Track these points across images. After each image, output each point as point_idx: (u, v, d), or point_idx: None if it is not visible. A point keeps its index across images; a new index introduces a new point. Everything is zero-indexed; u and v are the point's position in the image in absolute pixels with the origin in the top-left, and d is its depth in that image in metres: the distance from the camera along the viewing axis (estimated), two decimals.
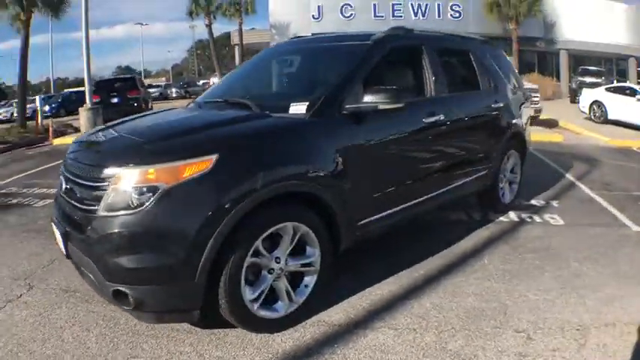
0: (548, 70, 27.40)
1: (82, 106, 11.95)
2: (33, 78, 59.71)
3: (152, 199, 2.26)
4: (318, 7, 27.15)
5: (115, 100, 15.63)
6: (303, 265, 2.79)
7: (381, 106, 2.93)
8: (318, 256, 2.80)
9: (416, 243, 4.02)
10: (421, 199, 3.52)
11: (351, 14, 26.59)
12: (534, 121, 11.75)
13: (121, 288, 2.31)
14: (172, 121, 3.33)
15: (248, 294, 2.54)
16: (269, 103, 3.19)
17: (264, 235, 2.55)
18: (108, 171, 2.37)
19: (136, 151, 2.54)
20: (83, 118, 11.39)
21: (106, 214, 2.32)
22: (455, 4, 26.23)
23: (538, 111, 11.88)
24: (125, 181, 2.30)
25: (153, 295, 2.35)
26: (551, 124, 12.84)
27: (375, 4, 26.17)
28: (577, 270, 3.46)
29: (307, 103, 2.91)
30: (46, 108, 24.25)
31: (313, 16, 27.11)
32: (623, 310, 2.86)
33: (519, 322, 2.72)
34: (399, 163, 3.36)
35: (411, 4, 26.17)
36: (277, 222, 2.59)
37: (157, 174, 2.30)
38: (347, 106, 2.94)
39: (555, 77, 26.18)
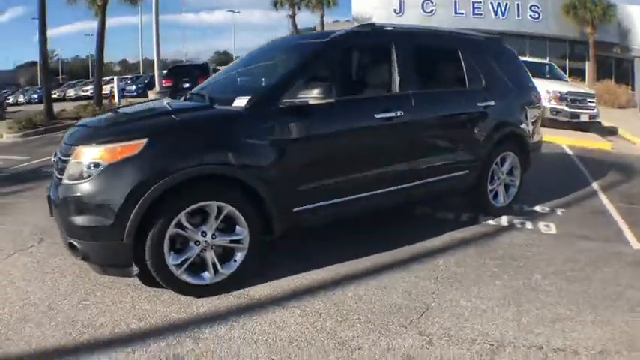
0: (624, 77, 24.24)
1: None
2: (131, 57, 64.19)
3: (95, 172, 2.49)
4: (400, 1, 26.04)
5: (187, 84, 15.93)
6: (232, 242, 2.78)
7: (311, 101, 2.85)
8: (247, 235, 2.78)
9: (382, 234, 3.77)
10: (373, 193, 3.28)
11: (432, 10, 24.97)
12: (591, 127, 10.55)
13: (73, 241, 2.58)
14: (137, 111, 3.52)
15: (171, 259, 2.61)
16: (225, 96, 3.20)
17: (187, 210, 2.60)
18: (72, 149, 2.65)
19: (91, 134, 2.84)
20: None
21: (67, 182, 2.59)
22: (534, 5, 23.92)
23: (593, 117, 10.53)
24: (80, 158, 2.57)
25: (94, 250, 2.56)
26: (609, 131, 11.33)
27: (455, 1, 24.59)
28: (536, 283, 3.00)
29: (249, 97, 2.88)
30: (133, 87, 25.67)
31: (395, 10, 25.63)
32: (562, 333, 2.41)
33: (430, 326, 2.43)
34: (344, 156, 3.17)
35: (491, 3, 23.90)
36: (199, 200, 2.63)
37: (100, 153, 2.53)
38: (284, 100, 2.87)
39: (631, 85, 23.12)
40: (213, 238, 2.68)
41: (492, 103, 3.98)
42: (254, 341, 2.29)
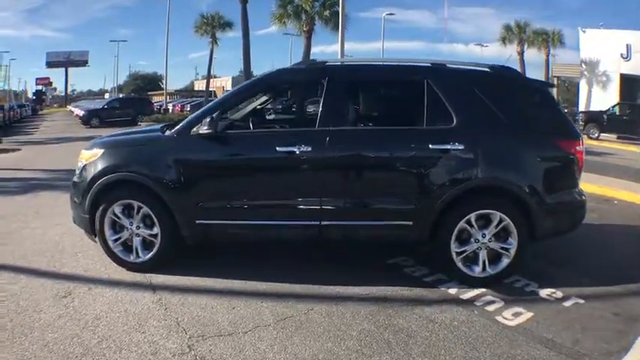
0: None
1: None
2: None
3: (81, 167, 3.52)
4: (627, 45, 21.72)
5: None
6: (151, 236, 3.31)
7: (200, 132, 3.12)
8: (159, 233, 3.28)
9: (320, 269, 3.43)
10: (281, 222, 3.21)
11: None
12: None
13: (71, 210, 3.62)
14: (122, 132, 4.42)
15: (109, 235, 3.38)
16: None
17: (117, 203, 3.33)
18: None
19: (88, 144, 3.75)
20: None
21: (75, 172, 3.66)
22: None
23: None
24: (80, 158, 3.63)
25: (75, 217, 3.58)
26: None
27: None
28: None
29: (178, 127, 3.39)
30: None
31: (622, 55, 22.49)
32: None
33: (207, 346, 2.34)
34: (243, 182, 3.27)
35: None
36: (125, 198, 3.35)
37: (85, 156, 3.55)
38: (193, 130, 3.23)
39: None
40: (137, 229, 3.30)
41: (459, 146, 3.13)
42: (107, 302, 2.92)
